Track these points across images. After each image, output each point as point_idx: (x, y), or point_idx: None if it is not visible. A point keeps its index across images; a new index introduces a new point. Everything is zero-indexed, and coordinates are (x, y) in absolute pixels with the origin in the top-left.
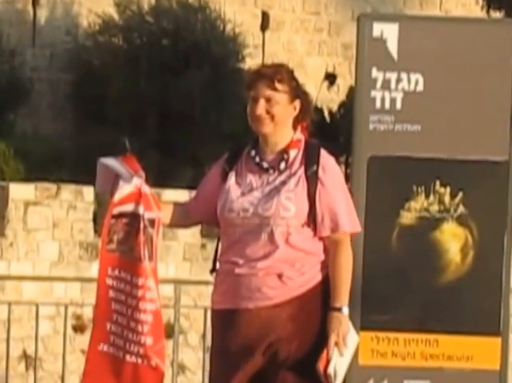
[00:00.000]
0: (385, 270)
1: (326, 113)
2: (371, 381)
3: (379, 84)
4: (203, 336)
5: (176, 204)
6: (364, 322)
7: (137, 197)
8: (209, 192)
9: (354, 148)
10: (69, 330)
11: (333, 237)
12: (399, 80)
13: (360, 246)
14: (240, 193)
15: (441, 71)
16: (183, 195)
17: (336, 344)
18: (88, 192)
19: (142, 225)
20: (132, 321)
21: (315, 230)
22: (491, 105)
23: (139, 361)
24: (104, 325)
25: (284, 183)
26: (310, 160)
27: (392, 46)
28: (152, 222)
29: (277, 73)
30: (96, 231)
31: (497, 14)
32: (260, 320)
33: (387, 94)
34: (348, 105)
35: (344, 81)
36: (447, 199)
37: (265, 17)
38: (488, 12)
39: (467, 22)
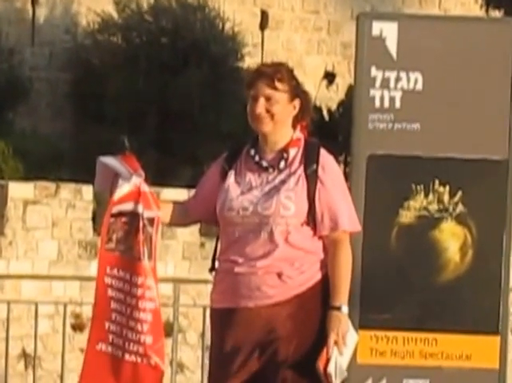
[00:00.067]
0: (384, 269)
1: (325, 112)
2: (370, 379)
3: (378, 83)
4: (202, 335)
5: (175, 203)
6: (363, 321)
7: (136, 196)
8: (208, 191)
9: (353, 147)
10: (68, 329)
11: (333, 236)
12: (398, 79)
13: (359, 245)
14: (240, 192)
15: (440, 70)
16: (182, 194)
17: (336, 343)
18: (88, 191)
19: (141, 224)
20: (132, 320)
21: (314, 229)
22: (490, 104)
23: (139, 360)
24: (102, 325)
25: (283, 182)
26: (310, 159)
27: (391, 45)
28: (151, 221)
29: (278, 72)
30: (95, 230)
31: (496, 13)
32: (260, 319)
33: (386, 93)
34: (347, 104)
35: (344, 80)
36: (446, 198)
37: (264, 16)
38: (487, 11)
39: (466, 21)
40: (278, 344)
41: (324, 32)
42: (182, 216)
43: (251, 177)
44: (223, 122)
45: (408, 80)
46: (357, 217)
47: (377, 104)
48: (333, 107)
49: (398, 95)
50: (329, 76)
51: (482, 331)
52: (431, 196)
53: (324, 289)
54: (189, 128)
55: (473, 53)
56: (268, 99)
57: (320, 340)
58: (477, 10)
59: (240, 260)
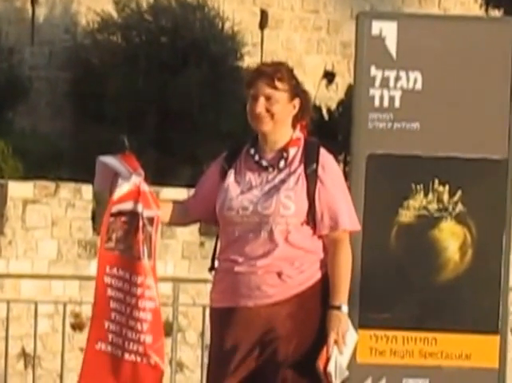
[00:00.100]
0: (384, 269)
1: (325, 111)
2: (369, 379)
3: (377, 83)
4: (202, 334)
5: (175, 202)
6: (363, 320)
7: (136, 195)
8: (208, 190)
9: (353, 147)
10: (68, 328)
11: (333, 235)
12: (397, 79)
13: (358, 244)
14: (239, 191)
15: (440, 69)
16: (181, 194)
17: (336, 342)
18: (87, 191)
19: (141, 223)
20: (131, 320)
21: (314, 228)
22: (490, 103)
23: (139, 359)
24: (102, 324)
25: (283, 181)
26: (310, 159)
27: (391, 44)
28: (151, 220)
29: (278, 72)
30: (94, 230)
31: (495, 12)
32: (259, 318)
33: (385, 92)
34: (346, 103)
35: (343, 80)
36: (445, 197)
37: (263, 15)
38: (487, 10)
39: (466, 20)
40: (278, 343)
41: (323, 31)
42: (181, 216)
43: (251, 176)
44: (223, 121)
45: (408, 79)
46: (357, 216)
47: (377, 103)
48: (333, 106)
49: (397, 94)
50: (329, 76)
51: (482, 331)
52: (430, 196)
53: (323, 288)
54: (189, 127)
55: (472, 53)
56: (268, 98)
57: (320, 339)
58: (476, 10)
59: (240, 259)
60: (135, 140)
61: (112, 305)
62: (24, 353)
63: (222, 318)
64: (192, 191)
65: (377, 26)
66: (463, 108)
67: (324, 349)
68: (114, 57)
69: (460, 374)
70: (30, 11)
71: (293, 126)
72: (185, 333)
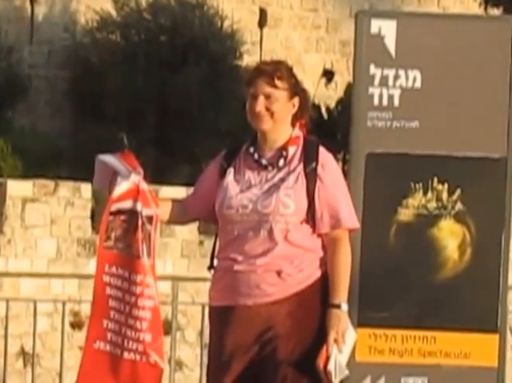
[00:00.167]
0: (383, 267)
1: (324, 110)
2: (368, 377)
3: (377, 81)
4: (201, 333)
5: (174, 201)
6: (362, 319)
7: (135, 194)
8: (207, 189)
9: (352, 145)
10: (67, 327)
11: (332, 234)
12: (396, 77)
13: (357, 243)
14: (239, 190)
15: (439, 68)
16: (180, 192)
17: (336, 341)
18: (86, 189)
19: (140, 222)
20: (131, 318)
21: (314, 227)
22: (489, 102)
23: (138, 358)
24: (100, 323)
25: (283, 180)
26: (309, 157)
27: (390, 43)
28: (150, 219)
29: (277, 70)
30: (93, 228)
31: (495, 11)
32: (259, 317)
33: (385, 91)
34: (345, 102)
35: (342, 78)
36: (444, 195)
37: (262, 14)
38: (486, 9)
39: (465, 19)
40: (277, 342)
41: (322, 30)
42: (180, 214)
43: (250, 175)
44: (222, 120)
45: (407, 78)
46: (356, 215)
47: (376, 102)
48: (332, 105)
49: (397, 93)
50: (328, 74)
51: (481, 329)
52: (429, 194)
53: (323, 287)
54: (188, 125)
55: (472, 51)
56: (267, 97)
57: (319, 338)
58: (476, 8)
59: (239, 258)
60: (135, 139)
61: (111, 303)
62: (23, 352)
63: (222, 317)
64: (191, 189)
65: (376, 25)
66: (462, 106)
67: (324, 347)
68: (113, 56)
69: (459, 373)
70: (29, 10)
71: (293, 125)
72: (184, 331)
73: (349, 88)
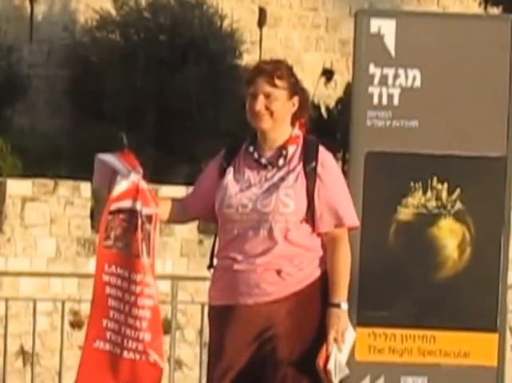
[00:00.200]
0: (382, 266)
1: (323, 109)
2: (368, 377)
3: (376, 80)
4: (200, 332)
5: (174, 200)
6: (361, 318)
7: (134, 193)
8: (206, 188)
9: (351, 144)
10: (67, 326)
11: (332, 233)
12: (396, 76)
13: (357, 242)
14: (238, 189)
15: (438, 67)
16: (180, 191)
17: (335, 340)
18: (86, 188)
19: (139, 221)
20: (130, 318)
21: (314, 226)
22: (489, 101)
23: (138, 357)
24: (100, 322)
25: (283, 179)
26: (309, 157)
27: (390, 42)
28: (150, 218)
29: (277, 70)
30: (93, 227)
31: (494, 10)
32: (259, 316)
33: (384, 90)
34: (345, 101)
35: (342, 77)
36: (444, 195)
37: (262, 13)
38: (485, 8)
39: (465, 18)
40: (277, 341)
41: (322, 29)
42: (180, 213)
43: (250, 174)
44: (222, 119)
45: (406, 77)
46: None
47: (375, 101)
48: (332, 104)
49: (396, 92)
50: (328, 74)
51: (481, 328)
52: (429, 193)
53: (323, 286)
54: (187, 125)
55: (471, 50)
56: (267, 96)
57: (319, 337)
58: (475, 7)
59: (239, 257)
60: (134, 138)
61: (111, 303)
62: (22, 351)
63: (221, 316)
64: (191, 189)
65: (376, 24)
66: (462, 105)
67: (324, 346)
68: (113, 55)
69: (459, 372)
70: (29, 9)
71: (292, 124)
72: (184, 330)
73: (349, 88)
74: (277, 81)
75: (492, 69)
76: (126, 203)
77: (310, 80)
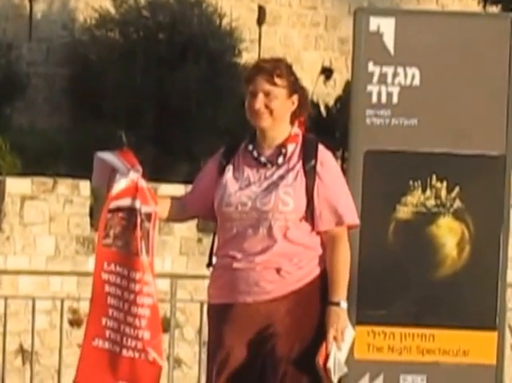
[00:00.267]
0: (381, 265)
1: (322, 108)
2: (367, 375)
3: (375, 79)
4: (200, 330)
5: (173, 198)
6: (361, 317)
7: (134, 191)
8: (205, 187)
9: (350, 143)
10: (66, 324)
11: (331, 232)
12: (395, 75)
13: (356, 240)
14: (238, 187)
15: (437, 65)
16: (179, 190)
17: (335, 338)
18: (85, 187)
19: (139, 219)
20: (130, 316)
21: (313, 224)
22: (488, 100)
23: (137, 355)
24: (99, 321)
25: (282, 177)
26: (308, 155)
27: (389, 41)
28: (149, 216)
29: (277, 68)
30: (92, 226)
31: (493, 9)
32: (259, 315)
33: (383, 88)
34: (344, 100)
35: (341, 76)
36: (443, 193)
37: (261, 11)
38: (485, 6)
39: (464, 17)
40: (277, 340)
41: (321, 27)
42: (179, 212)
43: (249, 173)
44: (221, 118)
45: (406, 75)
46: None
47: (374, 99)
48: (331, 103)
49: (395, 90)
50: (327, 72)
51: (480, 327)
52: (428, 192)
53: (322, 284)
54: (186, 123)
55: (470, 49)
56: (267, 94)
57: (318, 335)
58: (474, 6)
59: (238, 255)
60: (133, 136)
61: (110, 301)
62: (22, 349)
63: (220, 314)
64: (190, 187)
65: (375, 22)
66: (461, 104)
67: (324, 345)
68: (112, 53)
69: (458, 370)
70: (28, 7)
71: (292, 122)
72: (183, 329)
73: (348, 86)
74: (277, 80)
75: (491, 67)
76: (125, 202)
77: (309, 78)
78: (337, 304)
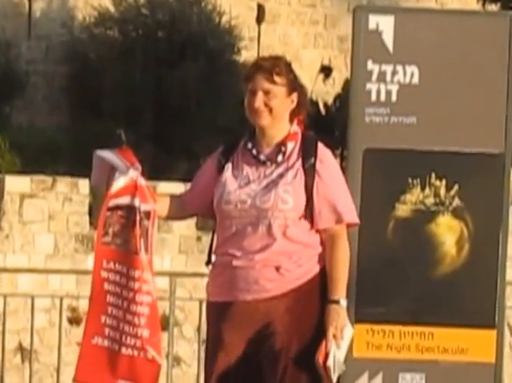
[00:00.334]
0: (380, 263)
1: (321, 106)
2: (366, 373)
3: (374, 77)
4: (199, 328)
5: (172, 197)
6: (359, 315)
7: (133, 189)
8: (204, 185)
9: (349, 141)
10: (65, 323)
11: (331, 230)
12: (394, 73)
13: (355, 238)
14: (237, 185)
15: (437, 63)
16: (178, 188)
17: (334, 336)
18: (84, 185)
19: (138, 217)
20: (129, 314)
21: (312, 222)
22: (487, 98)
23: (136, 353)
24: (98, 319)
25: (281, 175)
26: (307, 153)
27: (388, 39)
28: (148, 214)
29: (276, 66)
30: (91, 224)
31: (492, 7)
32: (258, 313)
33: (382, 86)
34: (343, 98)
35: (340, 74)
36: (442, 191)
37: (260, 9)
38: (484, 5)
39: (463, 15)
40: (276, 338)
41: (320, 26)
42: (178, 210)
43: (248, 171)
44: (220, 116)
45: (405, 73)
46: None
47: (373, 97)
48: (330, 101)
49: (394, 88)
50: (326, 70)
51: (479, 325)
52: (427, 190)
53: (321, 282)
54: (186, 121)
55: (469, 47)
56: (266, 93)
57: (318, 333)
58: (473, 4)
59: (238, 254)
60: (132, 135)
61: (109, 299)
62: (21, 348)
63: (219, 312)
64: (189, 185)
65: (374, 20)
66: (460, 102)
67: (323, 343)
68: (111, 52)
69: (457, 369)
70: (27, 5)
71: (291, 120)
72: (182, 327)
73: (347, 84)
74: (276, 78)
75: (490, 65)
76: (124, 200)
77: (308, 76)
78: (337, 302)
